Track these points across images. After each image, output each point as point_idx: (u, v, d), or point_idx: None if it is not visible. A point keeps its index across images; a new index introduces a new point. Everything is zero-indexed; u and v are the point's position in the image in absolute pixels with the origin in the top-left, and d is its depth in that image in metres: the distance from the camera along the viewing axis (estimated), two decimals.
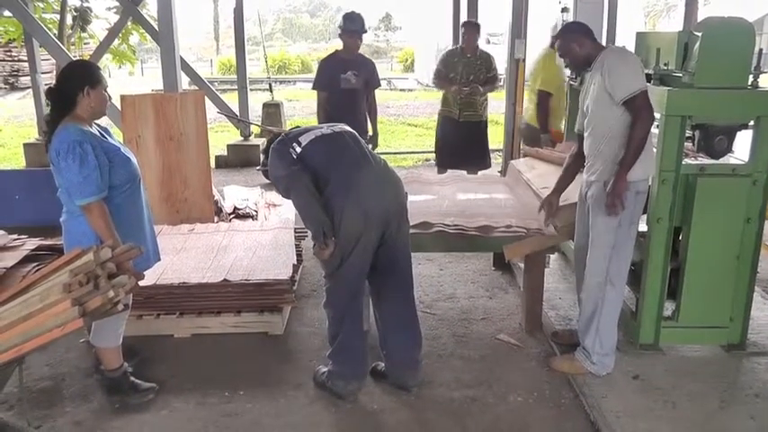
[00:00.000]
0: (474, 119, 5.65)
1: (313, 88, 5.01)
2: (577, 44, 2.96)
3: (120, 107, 4.94)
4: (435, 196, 4.12)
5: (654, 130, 2.92)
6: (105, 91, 2.76)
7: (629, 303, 3.65)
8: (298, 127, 3.06)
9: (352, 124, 3.17)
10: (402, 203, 2.90)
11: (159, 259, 3.05)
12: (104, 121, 3.23)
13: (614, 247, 2.98)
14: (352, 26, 4.81)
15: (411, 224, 3.47)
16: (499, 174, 5.30)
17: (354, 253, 2.78)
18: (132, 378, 3.06)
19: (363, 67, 4.94)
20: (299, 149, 2.82)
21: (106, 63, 12.11)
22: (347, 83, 4.85)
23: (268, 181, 2.84)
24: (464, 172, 5.57)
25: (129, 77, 20.46)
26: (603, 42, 3.72)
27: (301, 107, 15.15)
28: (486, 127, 5.78)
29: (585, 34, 2.97)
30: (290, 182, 2.76)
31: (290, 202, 2.86)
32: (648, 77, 3.46)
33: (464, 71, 5.54)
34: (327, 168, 2.75)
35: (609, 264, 3.00)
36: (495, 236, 3.44)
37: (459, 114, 5.64)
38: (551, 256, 4.46)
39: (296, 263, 4.07)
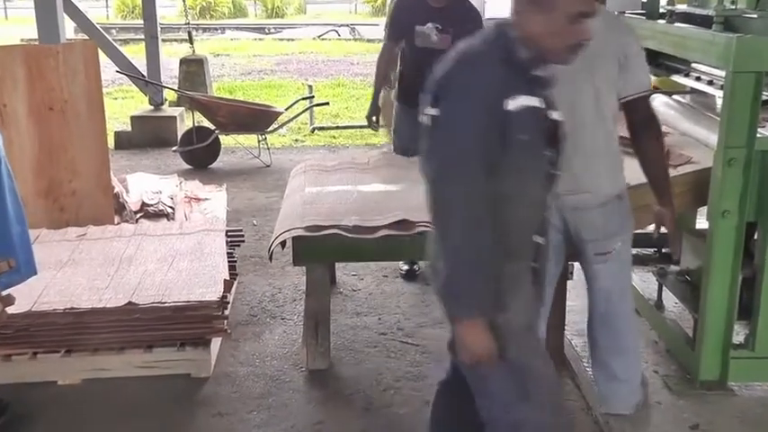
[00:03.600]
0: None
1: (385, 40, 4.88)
2: None
3: None
4: (418, 184, 4.11)
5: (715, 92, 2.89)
6: None
7: (682, 325, 3.65)
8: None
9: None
10: None
11: (35, 272, 2.99)
12: None
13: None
14: None
15: (384, 223, 3.54)
16: None
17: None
18: None
19: (456, 20, 4.51)
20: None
21: None
22: (424, 39, 4.57)
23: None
24: None
25: None
26: None
27: (233, 65, 15.06)
28: None
29: None
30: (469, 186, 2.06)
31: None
32: (706, 20, 3.46)
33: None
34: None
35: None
36: None
37: None
38: (575, 263, 4.48)
39: (228, 278, 4.04)
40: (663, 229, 3.08)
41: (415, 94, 4.19)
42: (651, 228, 3.14)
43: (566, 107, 2.72)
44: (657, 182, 2.93)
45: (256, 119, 7.70)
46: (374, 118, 4.95)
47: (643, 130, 2.88)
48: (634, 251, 3.17)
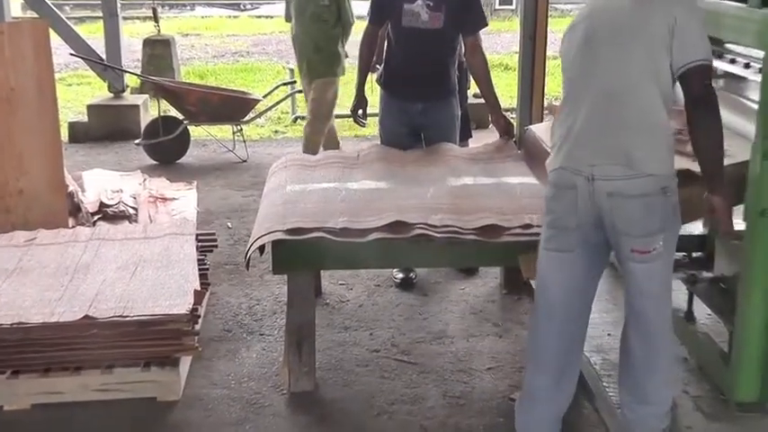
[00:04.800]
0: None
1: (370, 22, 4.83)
2: None
3: None
4: (415, 181, 4.17)
5: None
6: None
7: (716, 339, 3.65)
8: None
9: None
10: None
11: None
12: None
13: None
14: None
15: (377, 225, 3.51)
16: (516, 146, 5.27)
17: None
18: None
19: None
20: None
21: None
22: (413, 19, 4.55)
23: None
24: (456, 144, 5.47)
25: None
26: None
27: (203, 46, 15.05)
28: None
29: None
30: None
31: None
32: None
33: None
34: None
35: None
36: (506, 240, 3.49)
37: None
38: None
39: (199, 288, 4.02)
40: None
41: (402, 82, 4.19)
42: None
43: (613, 66, 2.83)
44: (708, 168, 2.90)
45: (231, 107, 7.69)
46: (360, 111, 4.96)
47: (696, 109, 2.86)
48: None
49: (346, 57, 6.75)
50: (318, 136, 6.67)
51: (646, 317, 3.03)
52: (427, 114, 4.76)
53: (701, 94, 2.84)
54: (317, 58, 6.57)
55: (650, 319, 3.03)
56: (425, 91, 4.69)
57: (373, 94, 5.16)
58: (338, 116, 9.32)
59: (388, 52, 4.87)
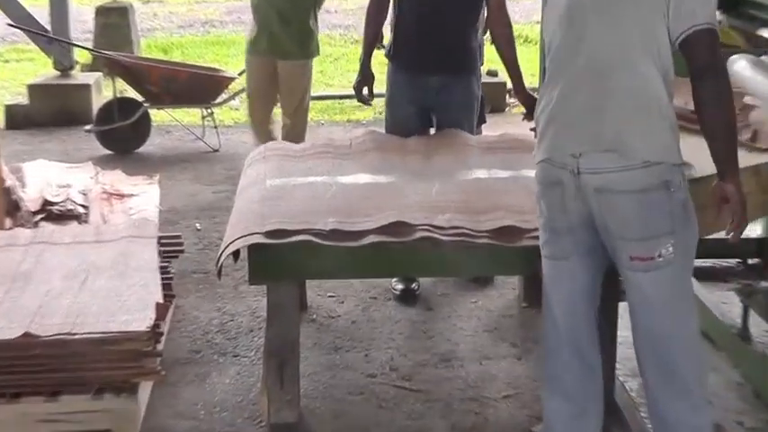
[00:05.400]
0: None
1: None
2: None
3: None
4: (418, 174, 4.18)
5: None
6: None
7: (757, 339, 3.67)
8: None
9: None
10: None
11: None
12: None
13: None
14: None
15: (373, 226, 3.55)
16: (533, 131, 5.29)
17: None
18: None
19: None
20: None
21: None
22: None
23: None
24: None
25: None
26: None
27: (167, 14, 15.05)
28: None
29: None
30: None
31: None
32: None
33: None
34: None
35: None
36: (526, 245, 3.50)
37: None
38: None
39: (162, 301, 4.00)
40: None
41: (413, 51, 4.23)
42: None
43: (602, 36, 2.88)
44: (720, 151, 2.89)
45: (200, 87, 7.70)
46: (365, 88, 4.95)
47: (702, 82, 2.86)
48: (708, 263, 3.18)
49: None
50: (302, 127, 6.61)
51: (654, 333, 3.04)
52: (443, 92, 4.77)
53: (706, 63, 2.84)
54: (285, 34, 6.31)
55: (662, 336, 3.04)
56: (442, 61, 4.69)
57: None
58: (324, 97, 9.38)
59: (396, 17, 4.83)
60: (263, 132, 6.45)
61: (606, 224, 2.93)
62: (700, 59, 2.83)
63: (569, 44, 2.98)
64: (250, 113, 6.71)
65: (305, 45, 6.39)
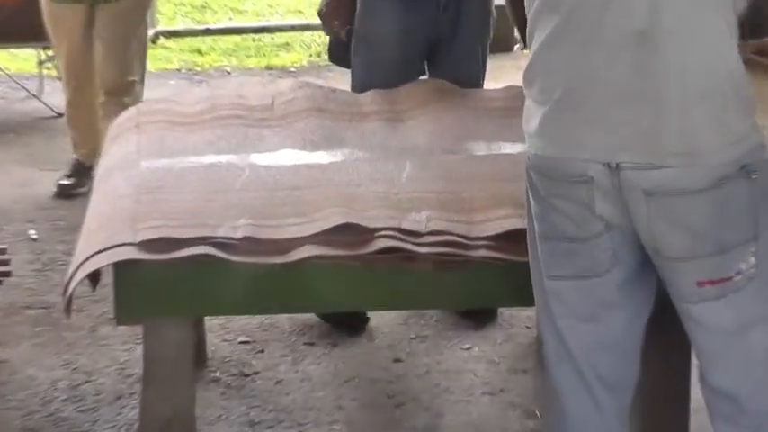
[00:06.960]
0: None
1: None
2: None
3: None
4: (378, 150, 4.23)
5: None
6: None
7: None
8: None
9: None
10: None
11: None
12: None
13: None
14: None
15: (307, 233, 3.60)
16: None
17: None
18: None
19: None
20: None
21: None
22: None
23: None
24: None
25: None
26: None
27: None
28: None
29: None
30: None
31: None
32: None
33: None
34: None
35: None
36: None
37: None
38: None
39: None
40: None
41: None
42: None
43: None
44: None
45: (33, 19, 7.70)
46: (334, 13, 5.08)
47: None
48: None
49: None
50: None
51: (724, 389, 3.12)
52: (451, 5, 4.94)
53: None
54: None
55: (735, 389, 3.11)
56: None
57: None
58: (239, 30, 9.44)
59: None
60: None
61: (660, 240, 2.99)
62: None
63: None
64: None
65: None
